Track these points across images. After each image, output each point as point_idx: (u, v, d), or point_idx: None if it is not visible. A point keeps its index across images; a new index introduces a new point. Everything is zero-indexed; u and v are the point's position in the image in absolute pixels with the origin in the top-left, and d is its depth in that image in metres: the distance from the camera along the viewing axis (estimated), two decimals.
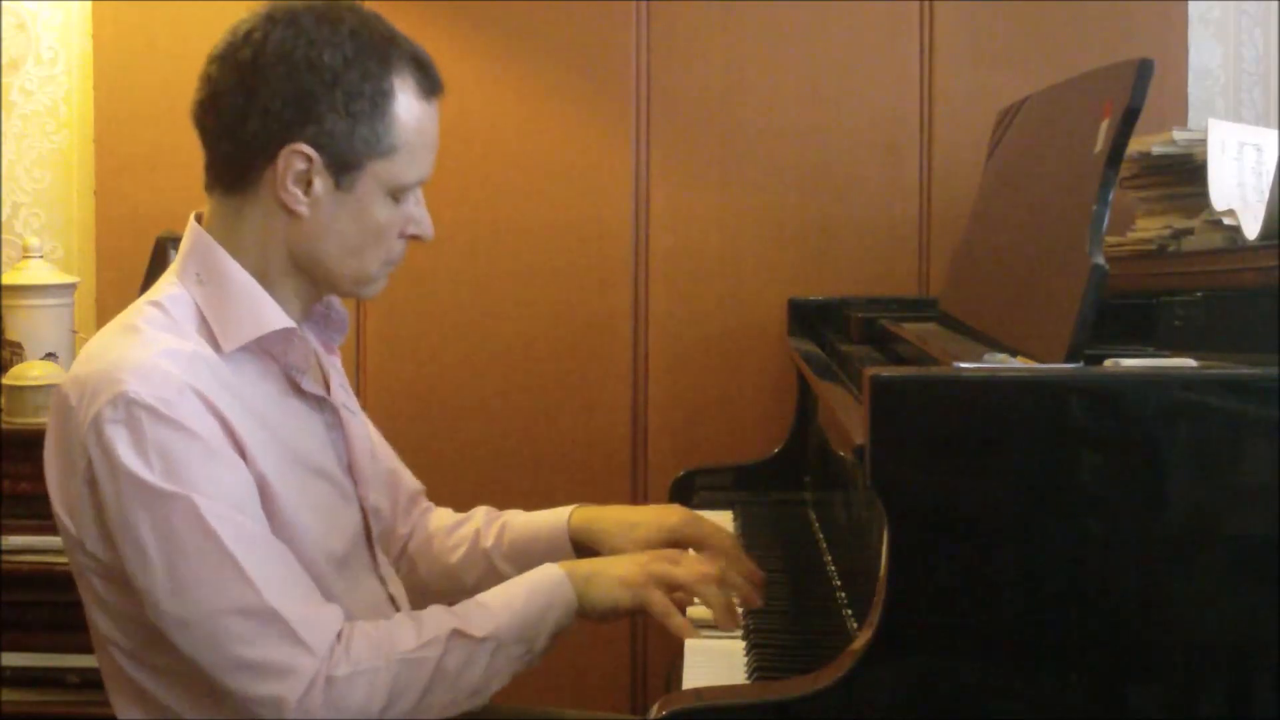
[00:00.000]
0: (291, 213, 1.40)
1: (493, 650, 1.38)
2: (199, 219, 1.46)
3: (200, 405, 1.33)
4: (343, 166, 1.39)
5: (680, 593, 1.46)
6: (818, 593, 1.69)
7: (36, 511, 2.37)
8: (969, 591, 1.16)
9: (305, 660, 1.30)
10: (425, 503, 1.77)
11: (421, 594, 1.67)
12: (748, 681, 1.37)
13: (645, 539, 1.59)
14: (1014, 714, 1.16)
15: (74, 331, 2.59)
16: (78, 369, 1.37)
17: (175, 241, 2.39)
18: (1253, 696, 1.15)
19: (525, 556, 1.64)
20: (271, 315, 1.41)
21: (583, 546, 1.65)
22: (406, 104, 1.41)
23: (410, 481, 1.74)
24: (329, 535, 1.45)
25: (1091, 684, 1.15)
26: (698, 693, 1.24)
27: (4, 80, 2.70)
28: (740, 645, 1.47)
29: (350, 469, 1.52)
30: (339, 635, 1.34)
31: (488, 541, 1.69)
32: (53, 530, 2.33)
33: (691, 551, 1.55)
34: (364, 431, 1.60)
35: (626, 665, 2.57)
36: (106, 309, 2.61)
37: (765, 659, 1.42)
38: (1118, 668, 1.15)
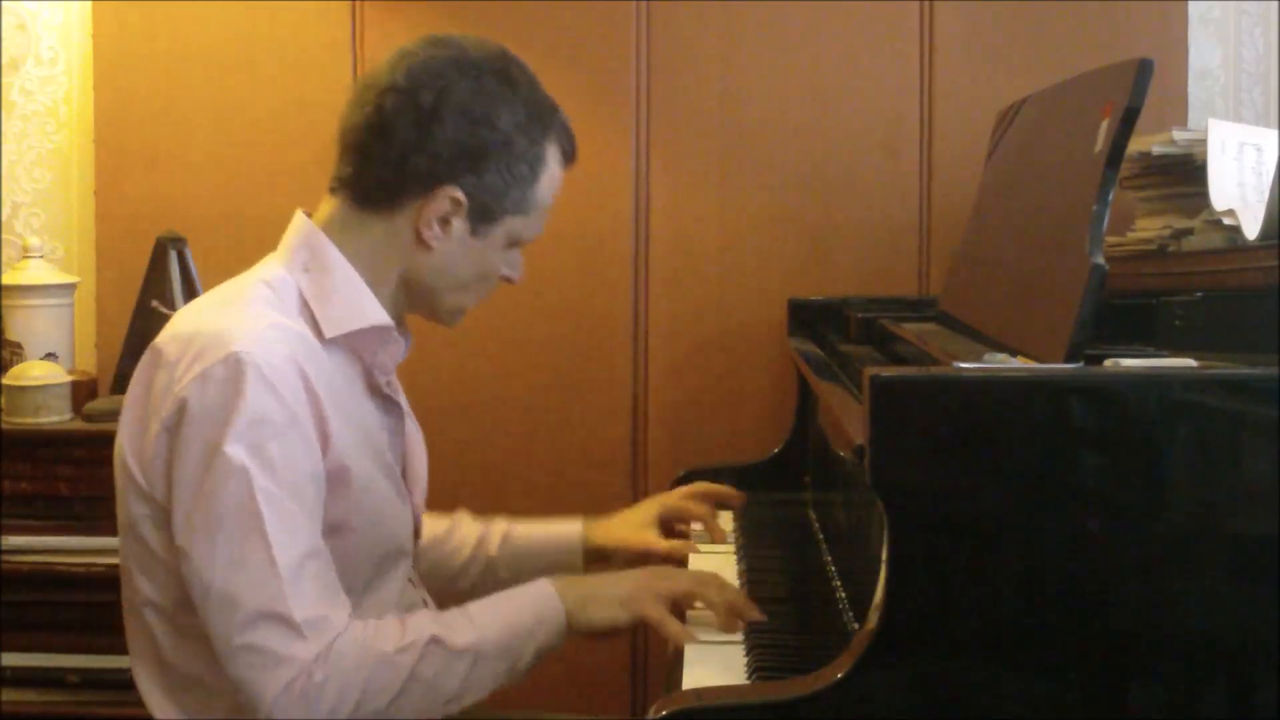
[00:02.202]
0: (423, 244, 1.47)
1: (471, 662, 1.40)
2: (310, 217, 1.52)
3: (300, 381, 1.38)
4: (485, 216, 1.48)
5: (682, 603, 1.50)
6: (818, 593, 1.69)
7: (36, 511, 2.37)
8: (969, 591, 1.16)
9: (300, 653, 1.33)
10: None
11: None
12: (748, 681, 1.37)
13: (643, 519, 1.78)
14: (1014, 714, 1.16)
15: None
16: (181, 327, 1.42)
17: (175, 241, 2.42)
18: (1253, 696, 1.15)
19: (531, 568, 1.73)
20: (373, 310, 1.48)
21: (593, 552, 1.77)
22: (552, 170, 1.52)
23: None
24: (394, 530, 1.52)
25: (1091, 684, 1.15)
26: (698, 693, 1.24)
27: (4, 80, 2.69)
28: (740, 645, 1.46)
29: (404, 474, 1.58)
30: (336, 636, 1.36)
31: (491, 550, 1.77)
32: (53, 530, 2.37)
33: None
34: (420, 440, 1.66)
35: (626, 665, 2.57)
36: (106, 309, 2.61)
37: (765, 659, 1.42)
38: (1118, 667, 1.15)
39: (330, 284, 1.47)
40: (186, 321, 1.43)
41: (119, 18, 2.61)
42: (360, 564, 1.47)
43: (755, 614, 1.49)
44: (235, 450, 1.33)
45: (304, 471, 1.38)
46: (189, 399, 1.35)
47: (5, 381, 2.43)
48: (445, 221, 1.47)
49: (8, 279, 2.54)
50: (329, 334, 1.45)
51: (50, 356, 2.51)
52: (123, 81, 2.61)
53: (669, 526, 1.87)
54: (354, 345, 1.48)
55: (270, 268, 1.49)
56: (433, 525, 1.77)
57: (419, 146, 1.45)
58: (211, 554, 1.33)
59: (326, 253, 1.48)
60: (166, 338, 1.41)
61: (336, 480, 1.41)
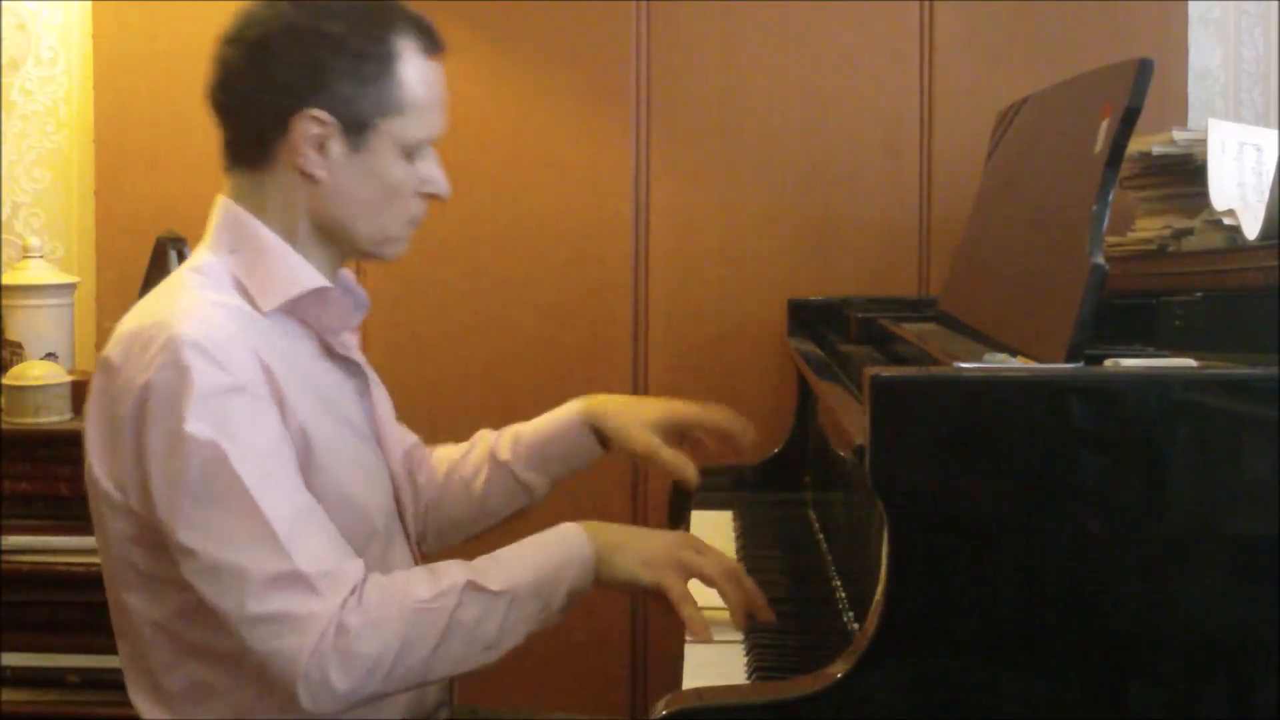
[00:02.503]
0: (311, 178, 1.45)
1: (508, 604, 1.38)
2: (226, 198, 1.50)
3: (246, 353, 1.37)
4: (355, 128, 1.44)
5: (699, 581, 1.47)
6: (818, 593, 1.69)
7: (36, 511, 2.38)
8: (969, 591, 1.16)
9: (320, 610, 1.32)
10: (423, 449, 1.79)
11: (454, 529, 1.73)
12: (748, 681, 1.37)
13: (652, 418, 1.70)
14: (1014, 714, 1.16)
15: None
16: (122, 329, 1.41)
17: (175, 241, 2.42)
18: (1253, 696, 1.15)
19: (546, 460, 1.72)
20: (305, 274, 1.46)
21: (597, 431, 1.73)
22: (411, 62, 1.47)
23: (407, 434, 1.76)
24: (369, 490, 1.50)
25: (1091, 684, 1.15)
26: (698, 693, 1.24)
27: (4, 80, 2.69)
28: (740, 645, 1.46)
29: (378, 437, 1.56)
30: (355, 586, 1.34)
31: (504, 455, 1.73)
32: (53, 530, 2.37)
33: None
34: (388, 399, 1.64)
35: (626, 666, 2.57)
36: (106, 309, 2.61)
37: (765, 659, 1.42)
38: (1118, 667, 1.15)
39: (257, 258, 1.45)
40: (125, 324, 1.42)
41: (119, 18, 2.61)
42: (359, 523, 1.45)
43: (769, 614, 1.47)
44: (198, 428, 1.32)
45: (272, 433, 1.37)
46: (143, 391, 1.34)
47: (5, 381, 2.44)
48: (320, 147, 1.44)
49: (8, 279, 2.54)
50: (265, 307, 1.43)
51: (50, 356, 2.51)
52: (123, 81, 2.61)
53: (676, 437, 1.75)
54: (296, 312, 1.47)
55: (198, 256, 1.48)
56: (451, 450, 1.77)
57: (260, 83, 1.44)
58: (206, 535, 1.32)
59: (247, 227, 1.46)
60: (111, 345, 1.40)
61: (299, 450, 1.40)
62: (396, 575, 1.39)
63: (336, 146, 1.44)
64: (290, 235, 1.47)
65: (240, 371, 1.35)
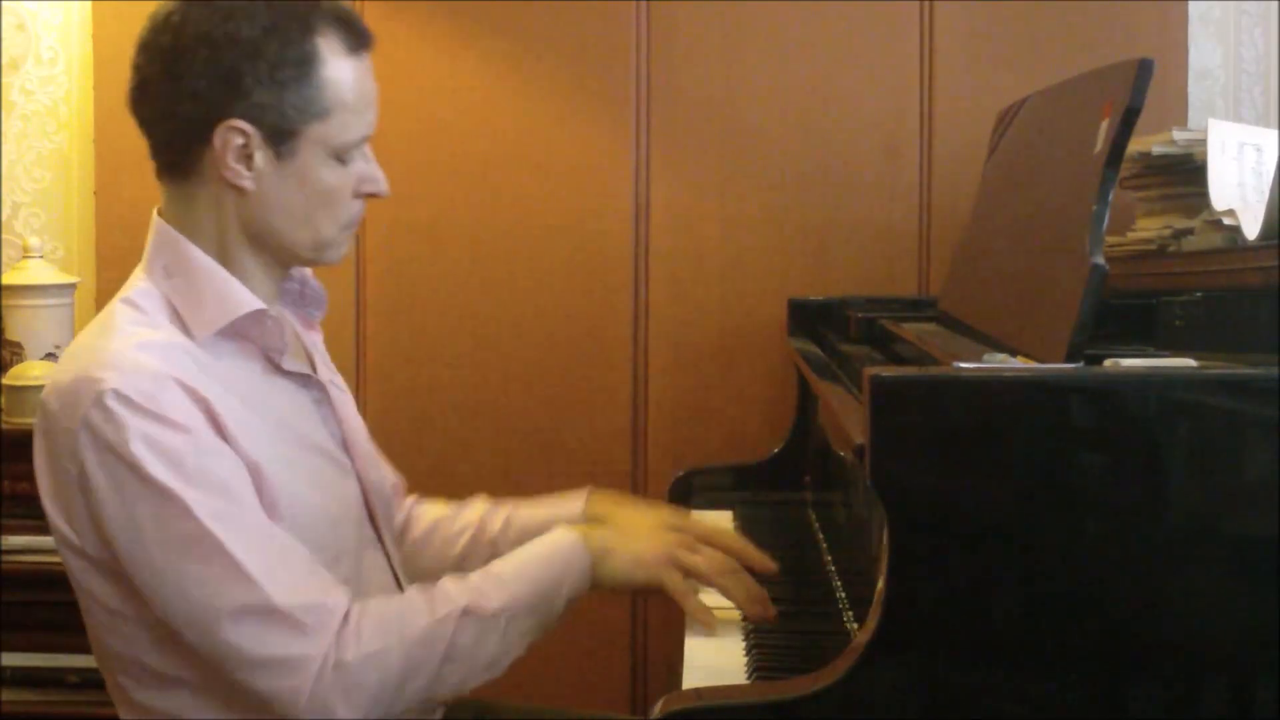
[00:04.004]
0: (238, 190, 1.40)
1: (506, 622, 1.37)
2: (160, 213, 1.46)
3: (182, 394, 1.33)
4: (280, 136, 1.38)
5: (695, 581, 1.46)
6: (818, 593, 1.69)
7: (37, 511, 2.34)
8: (969, 591, 1.16)
9: (312, 650, 1.30)
10: (409, 498, 1.75)
11: (423, 576, 1.61)
12: (748, 681, 1.37)
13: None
14: (1014, 714, 1.16)
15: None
16: (56, 376, 1.37)
17: None
18: (1253, 696, 1.15)
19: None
20: (239, 298, 1.41)
21: None
22: (334, 64, 1.40)
23: (390, 473, 1.71)
24: (329, 509, 1.45)
25: (1091, 684, 1.15)
26: (698, 693, 1.24)
27: (4, 80, 2.69)
28: (740, 645, 1.46)
29: (345, 445, 1.52)
30: (346, 617, 1.33)
31: (494, 529, 1.68)
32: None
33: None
34: (353, 406, 1.60)
35: (626, 665, 2.57)
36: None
37: (765, 659, 1.42)
38: (1118, 667, 1.15)
39: (190, 283, 1.40)
40: (61, 365, 1.38)
41: (119, 18, 2.60)
42: (320, 543, 1.40)
43: (771, 610, 1.47)
44: (146, 478, 1.29)
45: (225, 470, 1.33)
46: (82, 452, 1.31)
47: (5, 381, 2.44)
48: (245, 157, 1.38)
49: (8, 279, 2.54)
50: (199, 335, 1.38)
51: (50, 356, 2.51)
52: (123, 81, 2.60)
53: None
54: (237, 333, 1.42)
55: (134, 282, 1.44)
56: (440, 508, 1.72)
57: (177, 93, 1.37)
58: (181, 588, 1.30)
59: (179, 249, 1.42)
60: (48, 389, 1.37)
61: (252, 480, 1.36)
62: (393, 603, 1.38)
63: (262, 156, 1.38)
64: (224, 249, 1.42)
65: (174, 415, 1.31)
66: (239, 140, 1.37)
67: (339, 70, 1.40)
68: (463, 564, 1.66)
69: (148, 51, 1.40)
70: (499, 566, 1.43)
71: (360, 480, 1.53)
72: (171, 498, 1.29)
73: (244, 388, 1.41)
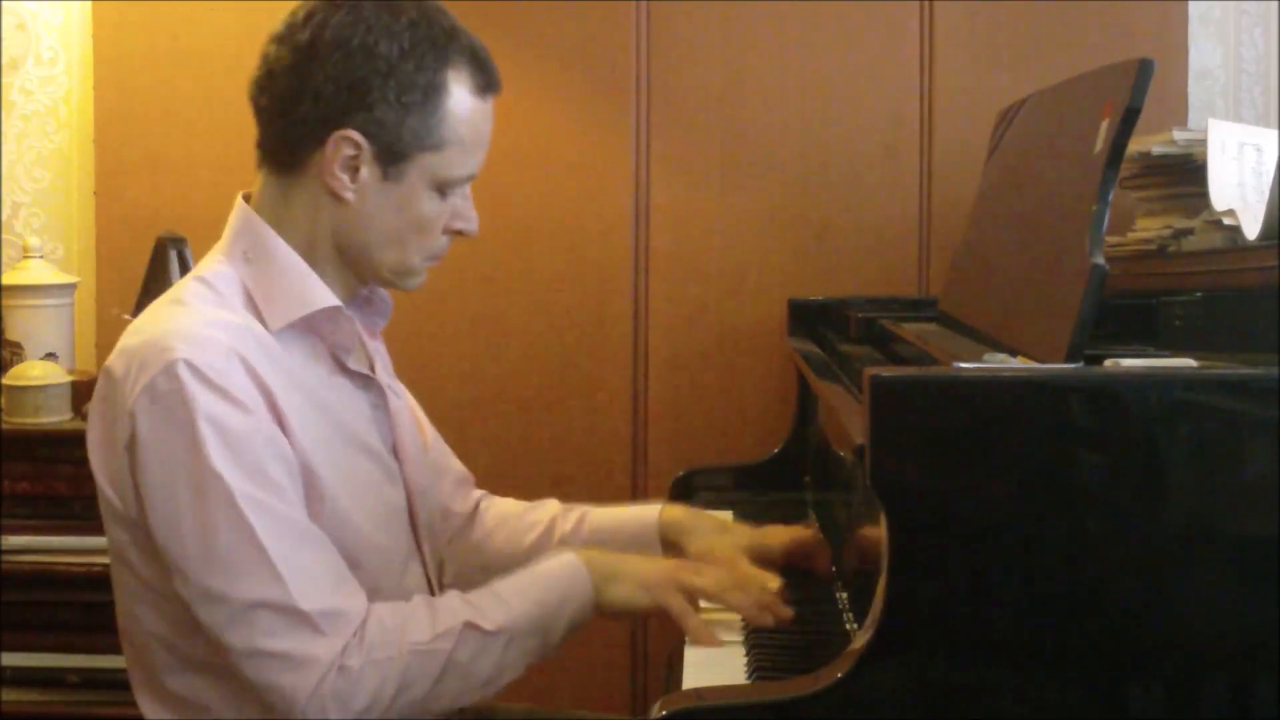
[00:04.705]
0: (338, 198, 1.41)
1: (505, 643, 1.38)
2: (246, 198, 1.47)
3: (248, 377, 1.34)
4: (391, 157, 1.40)
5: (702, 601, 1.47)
6: (818, 593, 1.69)
7: (36, 511, 2.38)
8: (969, 591, 1.16)
9: (323, 652, 1.31)
10: (478, 490, 1.76)
11: (483, 573, 1.60)
12: (748, 681, 1.37)
13: (735, 542, 1.61)
14: (1014, 714, 1.16)
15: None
16: (125, 342, 1.38)
17: (175, 241, 2.42)
18: (1253, 696, 1.15)
19: (607, 547, 1.61)
20: (318, 294, 1.42)
21: (669, 543, 1.65)
22: (460, 99, 1.42)
23: (459, 466, 1.74)
24: (373, 513, 1.46)
25: (1091, 684, 1.15)
26: (698, 693, 1.24)
27: (4, 80, 2.69)
28: (740, 645, 1.46)
29: (395, 449, 1.53)
30: (357, 628, 1.33)
31: (565, 527, 1.68)
32: (53, 530, 2.37)
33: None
34: (408, 413, 1.61)
35: (626, 665, 2.57)
36: (106, 309, 2.60)
37: (765, 659, 1.42)
38: (1118, 667, 1.15)
39: (271, 273, 1.41)
40: (131, 334, 1.38)
41: (119, 18, 2.61)
42: (356, 546, 1.42)
43: (785, 611, 1.47)
44: (200, 458, 1.29)
45: (276, 459, 1.34)
46: (139, 415, 1.31)
47: (5, 381, 2.44)
48: (352, 169, 1.39)
49: (8, 279, 2.54)
50: (274, 325, 1.40)
51: (50, 356, 2.51)
52: (123, 81, 2.61)
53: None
54: (309, 328, 1.43)
55: (211, 262, 1.45)
56: (511, 504, 1.73)
57: (302, 91, 1.38)
58: (210, 569, 1.30)
59: (263, 237, 1.42)
60: (114, 355, 1.37)
61: (302, 475, 1.37)
62: (398, 611, 1.38)
63: (368, 172, 1.39)
64: (309, 250, 1.43)
65: (242, 395, 1.32)
66: (350, 151, 1.39)
67: (463, 106, 1.42)
68: (530, 559, 1.63)
69: (281, 45, 1.40)
70: (501, 586, 1.43)
71: (407, 486, 1.54)
72: (217, 477, 1.30)
73: (307, 383, 1.42)
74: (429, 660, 1.35)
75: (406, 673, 1.33)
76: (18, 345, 2.52)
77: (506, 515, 1.72)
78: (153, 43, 2.59)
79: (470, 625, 1.37)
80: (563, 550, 1.50)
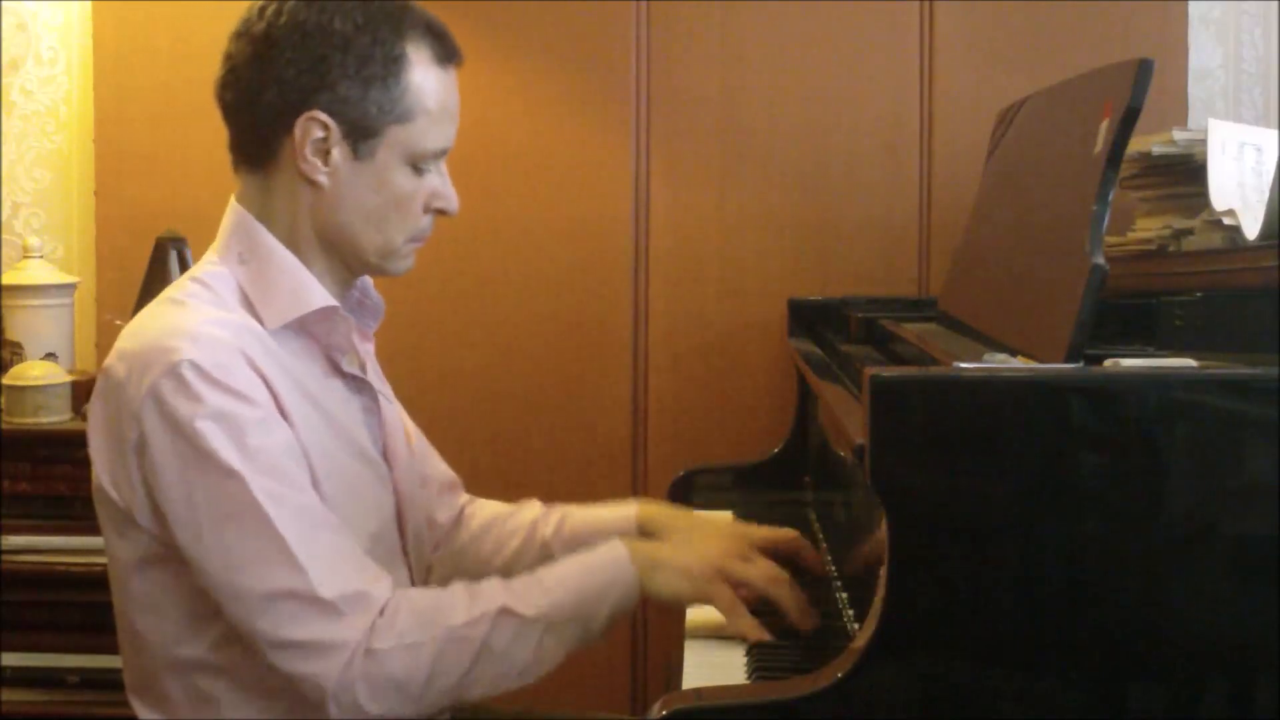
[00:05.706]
0: (313, 184, 1.41)
1: (543, 630, 1.37)
2: (239, 199, 1.48)
3: (250, 371, 1.35)
4: (360, 134, 1.40)
5: (744, 591, 1.44)
6: (818, 593, 1.69)
7: (36, 511, 2.38)
8: (969, 591, 1.16)
9: (347, 635, 1.31)
10: (465, 494, 1.76)
11: (466, 575, 1.60)
12: (748, 681, 1.37)
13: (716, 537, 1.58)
14: (1014, 714, 1.16)
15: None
16: (124, 344, 1.38)
17: (175, 241, 2.42)
18: (1253, 696, 1.15)
19: (586, 548, 1.60)
20: (314, 294, 1.43)
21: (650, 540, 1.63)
22: (421, 70, 1.42)
23: (445, 471, 1.74)
24: (363, 516, 1.46)
25: (1091, 684, 1.15)
26: (698, 693, 1.24)
27: (4, 80, 2.70)
28: (740, 645, 1.46)
29: (385, 453, 1.53)
30: (384, 608, 1.33)
31: (546, 532, 1.68)
32: (53, 530, 2.37)
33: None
34: (398, 418, 1.61)
35: (626, 665, 2.57)
36: (106, 309, 2.61)
37: (765, 659, 1.42)
38: (1118, 667, 1.15)
39: (266, 272, 1.42)
40: (128, 334, 1.39)
41: (119, 18, 2.61)
42: None
43: (817, 620, 1.46)
44: (210, 450, 1.30)
45: (284, 451, 1.35)
46: (146, 417, 1.32)
47: (5, 381, 2.44)
48: (323, 152, 1.40)
49: (8, 279, 2.54)
50: (270, 325, 1.40)
51: (50, 356, 2.52)
52: (123, 81, 2.61)
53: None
54: (304, 329, 1.44)
55: (206, 264, 1.45)
56: (496, 507, 1.73)
57: (264, 79, 1.40)
58: (227, 562, 1.31)
59: (258, 237, 1.43)
60: (113, 357, 1.37)
61: None
62: (431, 595, 1.37)
63: (339, 152, 1.40)
64: (295, 243, 1.44)
65: (246, 389, 1.33)
66: (319, 133, 1.40)
67: (425, 77, 1.42)
68: (514, 565, 1.66)
69: (240, 39, 1.43)
70: (543, 572, 1.42)
71: (396, 491, 1.54)
72: (231, 473, 1.30)
73: (305, 381, 1.42)
74: (464, 645, 1.34)
75: (439, 658, 1.33)
76: (18, 345, 2.52)
77: (491, 521, 1.72)
78: (153, 43, 2.59)
79: (507, 610, 1.35)
80: (611, 538, 1.48)
